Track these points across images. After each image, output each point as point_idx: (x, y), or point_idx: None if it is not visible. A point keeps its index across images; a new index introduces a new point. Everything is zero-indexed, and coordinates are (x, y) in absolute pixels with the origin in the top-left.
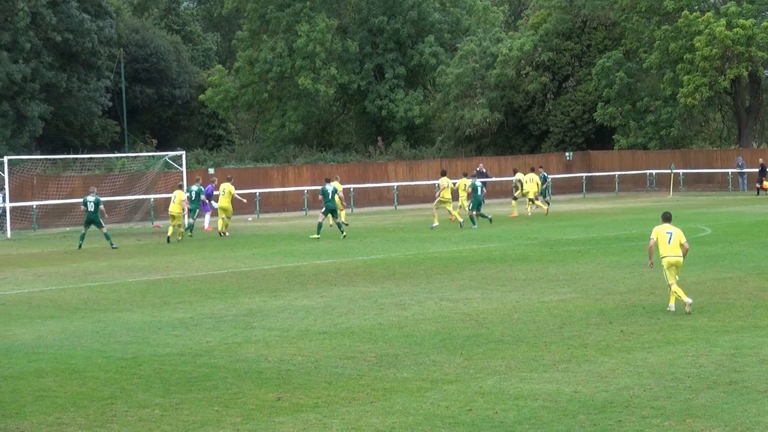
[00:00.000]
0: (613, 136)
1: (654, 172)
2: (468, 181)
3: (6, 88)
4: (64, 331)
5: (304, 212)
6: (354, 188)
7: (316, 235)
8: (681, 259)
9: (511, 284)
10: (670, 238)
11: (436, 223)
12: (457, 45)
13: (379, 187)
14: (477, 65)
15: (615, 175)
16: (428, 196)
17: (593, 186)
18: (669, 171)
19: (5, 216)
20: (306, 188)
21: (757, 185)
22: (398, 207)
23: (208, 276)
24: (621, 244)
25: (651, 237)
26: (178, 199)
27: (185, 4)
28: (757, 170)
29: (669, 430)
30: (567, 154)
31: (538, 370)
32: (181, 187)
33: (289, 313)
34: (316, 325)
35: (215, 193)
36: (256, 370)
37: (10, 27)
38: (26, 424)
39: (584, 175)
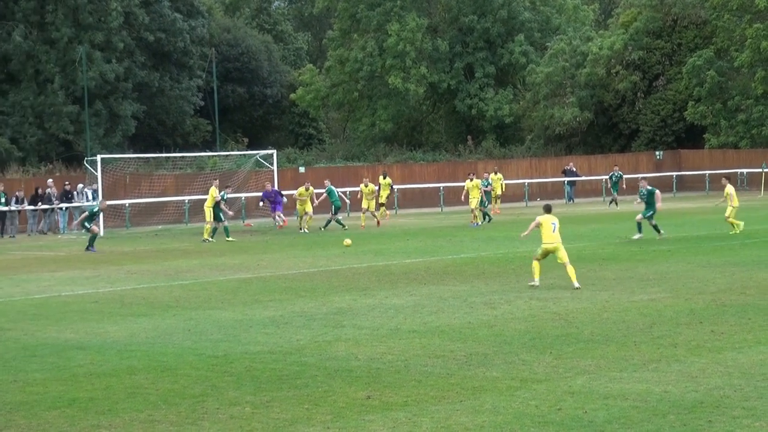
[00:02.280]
0: (704, 135)
1: (745, 171)
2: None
3: (99, 87)
4: (155, 328)
5: (394, 211)
6: (443, 187)
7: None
8: (559, 245)
9: (601, 283)
10: (554, 228)
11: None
12: (547, 44)
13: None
14: (567, 64)
15: (705, 174)
16: (517, 194)
17: (684, 185)
18: (760, 170)
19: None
20: (396, 187)
21: None
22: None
23: (298, 274)
24: (711, 243)
25: (537, 220)
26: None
27: (276, 3)
28: None
29: (760, 431)
30: (657, 153)
31: (627, 369)
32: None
33: (379, 311)
34: (405, 324)
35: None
36: (346, 368)
37: (103, 27)
38: (118, 420)
39: (674, 174)
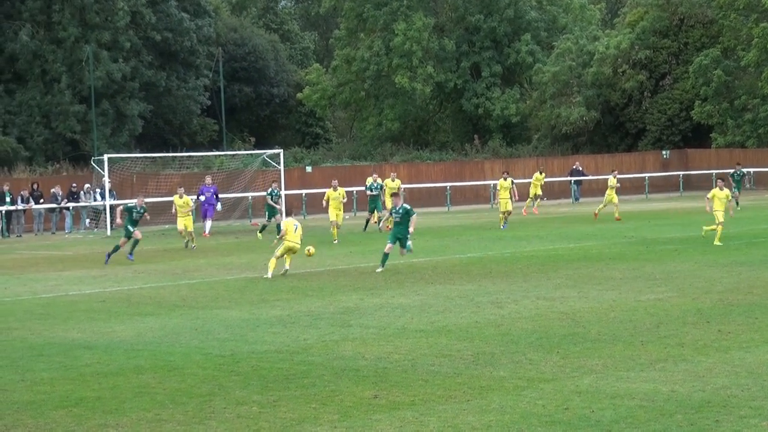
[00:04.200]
0: (711, 135)
1: (752, 170)
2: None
3: (106, 86)
4: (163, 328)
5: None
6: (450, 186)
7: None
8: (298, 246)
9: (608, 283)
10: (296, 229)
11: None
12: (554, 43)
13: (476, 185)
14: (573, 63)
15: (712, 173)
16: (525, 194)
17: (690, 184)
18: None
19: (105, 213)
20: (403, 186)
21: None
22: (494, 205)
23: (305, 274)
24: (718, 243)
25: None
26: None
27: (283, 3)
28: None
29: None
30: (664, 152)
31: (634, 369)
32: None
33: (385, 311)
34: (412, 324)
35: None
36: (353, 367)
37: (110, 26)
38: (125, 420)
39: (681, 173)
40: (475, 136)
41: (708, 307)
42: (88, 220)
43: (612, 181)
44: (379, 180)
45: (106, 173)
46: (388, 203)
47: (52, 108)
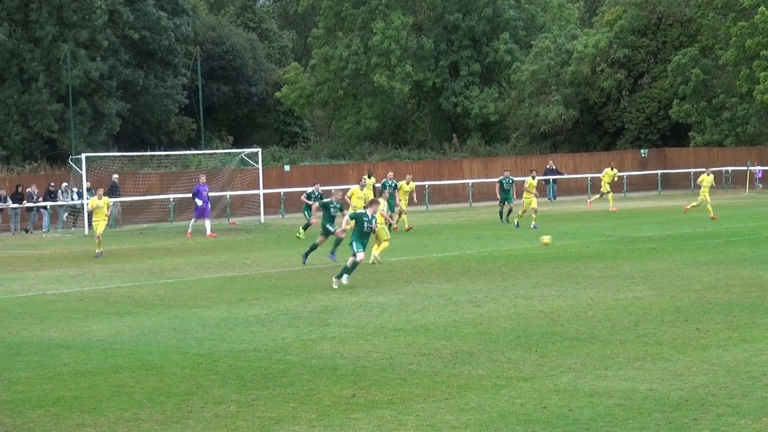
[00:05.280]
0: (689, 133)
1: (730, 169)
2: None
3: (84, 85)
4: (140, 327)
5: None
6: (429, 185)
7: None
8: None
9: (586, 282)
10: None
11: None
12: (532, 42)
13: (454, 184)
14: (552, 62)
15: (690, 172)
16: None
17: (668, 183)
18: (745, 168)
19: (83, 212)
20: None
21: None
22: (473, 204)
23: (283, 273)
24: (696, 241)
25: None
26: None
27: (261, 1)
28: None
29: (745, 429)
30: (642, 151)
31: (613, 367)
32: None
33: (364, 309)
34: (391, 322)
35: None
36: (332, 366)
37: (88, 25)
38: (103, 419)
39: (659, 172)
40: (454, 135)
41: (686, 306)
42: (65, 215)
43: (608, 175)
44: (393, 180)
45: (84, 172)
46: (403, 205)
47: (29, 107)
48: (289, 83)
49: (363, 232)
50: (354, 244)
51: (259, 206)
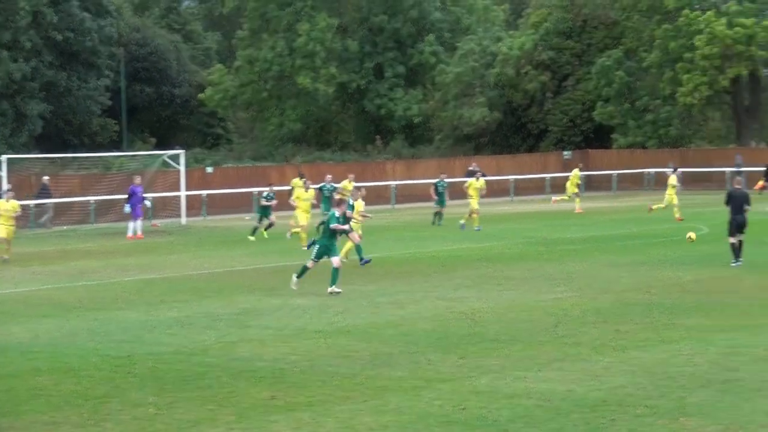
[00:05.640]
0: (612, 135)
1: (652, 171)
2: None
3: (5, 86)
4: (59, 329)
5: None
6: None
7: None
8: None
9: (507, 283)
10: None
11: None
12: (457, 44)
13: (378, 186)
14: (477, 64)
15: (613, 174)
16: (427, 194)
17: (591, 185)
18: (666, 170)
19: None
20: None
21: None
22: (396, 206)
23: (204, 275)
24: (617, 243)
25: None
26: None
27: (186, 3)
28: (760, 169)
29: (662, 429)
30: (565, 153)
31: (532, 368)
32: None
33: (284, 311)
34: (311, 324)
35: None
36: (251, 368)
37: (11, 26)
38: (20, 422)
39: (583, 174)
40: (378, 136)
41: (606, 307)
42: None
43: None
44: (332, 183)
45: (4, 174)
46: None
47: None
48: (213, 85)
49: (333, 233)
50: (324, 248)
51: (181, 208)
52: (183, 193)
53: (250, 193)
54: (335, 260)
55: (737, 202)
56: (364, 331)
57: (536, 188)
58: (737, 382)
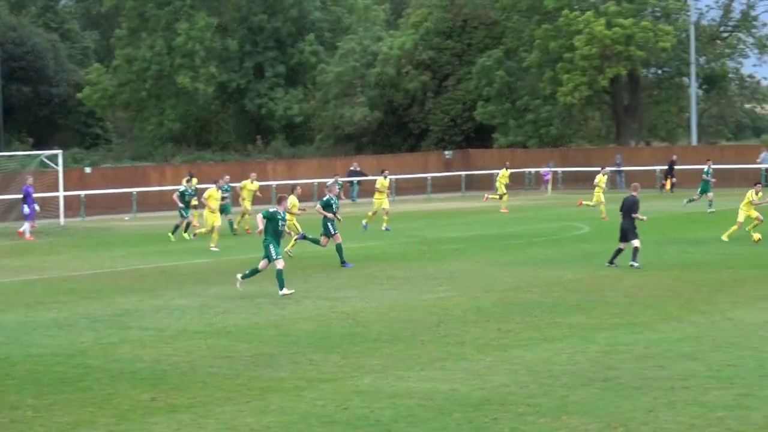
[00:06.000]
0: (493, 135)
1: (533, 170)
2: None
3: None
4: None
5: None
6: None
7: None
8: None
9: (390, 283)
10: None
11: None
12: (338, 43)
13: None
14: (357, 64)
15: (494, 173)
16: (307, 194)
17: (472, 184)
18: (547, 169)
19: None
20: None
21: (664, 181)
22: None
23: (84, 276)
24: (499, 242)
25: None
26: None
27: (63, 1)
28: (639, 168)
29: (545, 427)
30: (446, 152)
31: (414, 368)
32: None
33: (165, 312)
34: (192, 325)
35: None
36: (131, 370)
37: None
38: None
39: (463, 173)
40: (258, 136)
41: (488, 306)
42: None
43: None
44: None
45: None
46: (248, 204)
47: None
48: (91, 84)
49: (278, 231)
50: (272, 247)
51: (59, 209)
52: (61, 194)
53: (130, 193)
54: (279, 262)
55: (625, 208)
56: (246, 331)
57: (417, 188)
58: (618, 380)
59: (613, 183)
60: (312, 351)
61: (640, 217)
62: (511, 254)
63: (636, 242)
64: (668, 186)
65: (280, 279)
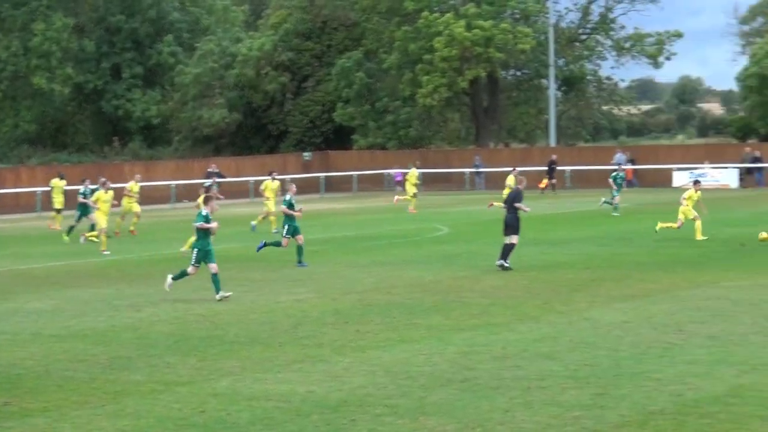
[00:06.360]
0: (352, 136)
1: (393, 171)
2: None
3: None
4: None
5: (36, 213)
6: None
7: None
8: None
9: (248, 285)
10: None
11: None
12: (197, 45)
13: (114, 187)
14: (216, 65)
15: (353, 174)
16: (164, 196)
17: (332, 186)
18: (407, 170)
19: None
20: (39, 189)
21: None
22: None
23: None
24: (358, 243)
25: None
26: None
27: None
28: (499, 170)
29: (402, 428)
30: (305, 154)
31: (272, 370)
32: None
33: (20, 316)
34: (47, 329)
35: None
36: None
37: None
38: None
39: (323, 175)
40: (115, 138)
41: (347, 308)
42: None
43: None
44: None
45: None
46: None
47: None
48: None
49: (208, 234)
50: (198, 252)
51: None
52: None
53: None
54: (212, 266)
55: (508, 201)
56: (102, 334)
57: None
58: (475, 380)
59: (472, 184)
60: (169, 354)
61: (524, 208)
62: (370, 255)
63: (514, 239)
64: (544, 185)
65: (216, 282)
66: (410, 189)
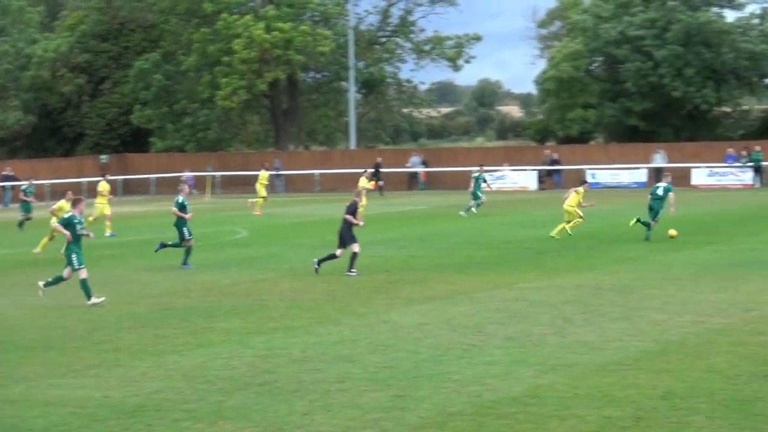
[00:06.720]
0: (150, 139)
1: (191, 174)
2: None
3: None
4: None
5: None
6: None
7: None
8: None
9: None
10: None
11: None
12: None
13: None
14: (11, 66)
15: (151, 177)
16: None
17: (130, 189)
18: (206, 173)
19: None
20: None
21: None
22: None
23: None
24: (154, 247)
25: None
26: None
27: None
28: (296, 172)
29: None
30: (102, 156)
31: (68, 376)
32: None
33: None
34: None
35: None
36: None
37: None
38: None
39: (120, 178)
40: None
41: (144, 312)
42: None
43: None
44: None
45: None
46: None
47: None
48: None
49: (78, 236)
50: (74, 256)
51: None
52: None
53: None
54: (81, 272)
55: (345, 213)
56: None
57: (73, 192)
58: (274, 383)
59: (272, 187)
60: None
61: (355, 221)
62: (166, 259)
63: (355, 247)
64: (372, 186)
65: (86, 288)
66: (261, 190)
